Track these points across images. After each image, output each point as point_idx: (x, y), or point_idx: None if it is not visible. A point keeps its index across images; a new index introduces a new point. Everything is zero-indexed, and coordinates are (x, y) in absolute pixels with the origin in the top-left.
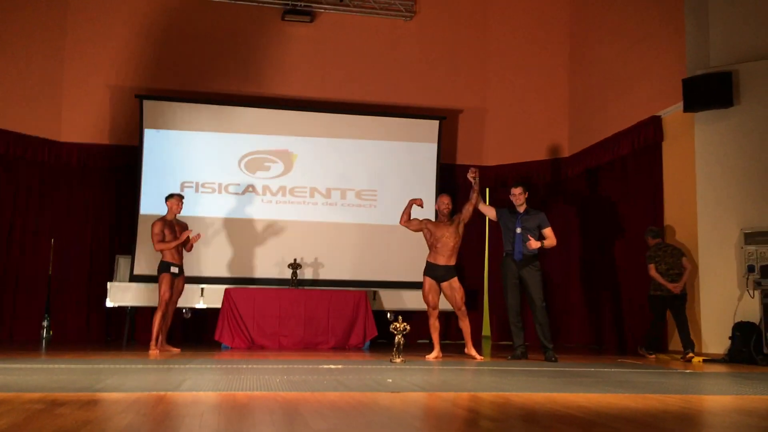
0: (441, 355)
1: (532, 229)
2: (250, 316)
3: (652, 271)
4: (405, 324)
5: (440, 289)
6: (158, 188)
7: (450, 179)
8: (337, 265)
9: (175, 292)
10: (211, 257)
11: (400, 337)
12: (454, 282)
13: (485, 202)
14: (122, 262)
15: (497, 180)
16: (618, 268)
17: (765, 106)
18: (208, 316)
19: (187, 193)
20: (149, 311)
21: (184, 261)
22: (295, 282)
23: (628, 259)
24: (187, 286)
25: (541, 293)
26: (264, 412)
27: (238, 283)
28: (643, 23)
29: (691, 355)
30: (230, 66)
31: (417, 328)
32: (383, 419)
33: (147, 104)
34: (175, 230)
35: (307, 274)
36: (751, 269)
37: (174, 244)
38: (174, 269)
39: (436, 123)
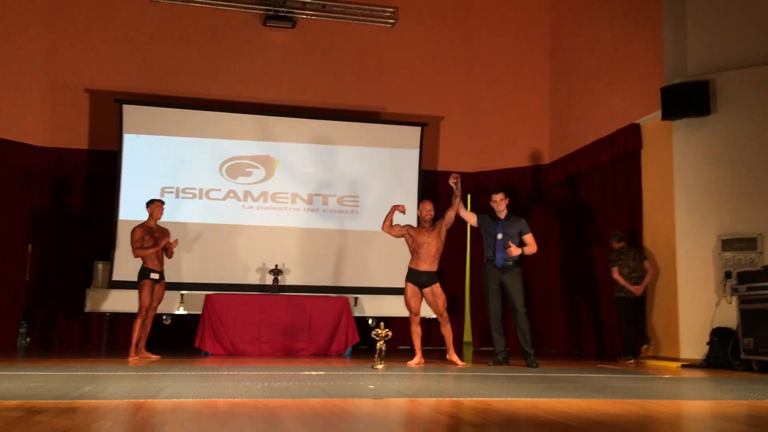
0: (423, 361)
1: (513, 236)
2: (231, 323)
3: (615, 273)
4: (387, 330)
5: (422, 295)
6: (138, 194)
7: (431, 185)
8: (318, 271)
9: (156, 299)
10: (191, 263)
11: (382, 343)
12: (436, 288)
13: (466, 208)
14: (101, 268)
15: (478, 186)
16: (598, 274)
17: (741, 114)
18: (188, 322)
19: (168, 199)
20: (128, 318)
21: (164, 267)
22: (277, 288)
23: (608, 265)
24: (167, 292)
25: (522, 299)
26: (245, 419)
27: (219, 289)
28: (623, 33)
29: (646, 347)
30: (211, 71)
31: (398, 335)
32: (365, 426)
33: (127, 109)
34: (155, 236)
35: (288, 280)
36: (728, 275)
37: (153, 250)
38: (155, 275)
39: (417, 129)
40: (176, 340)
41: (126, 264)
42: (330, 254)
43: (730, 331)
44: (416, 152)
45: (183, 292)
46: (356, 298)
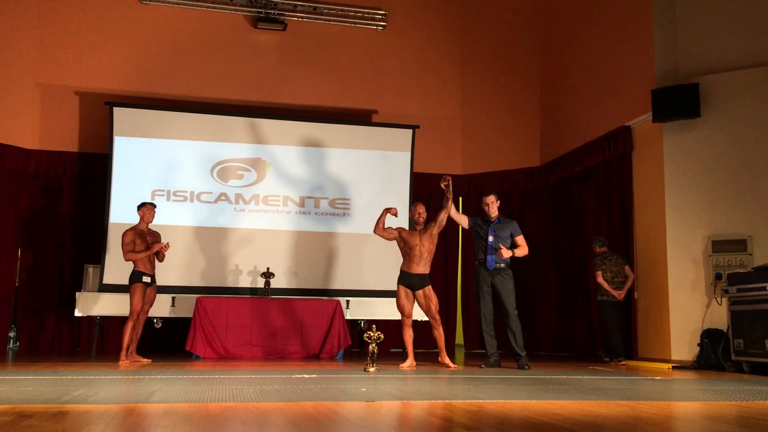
0: (415, 363)
1: (505, 238)
2: (222, 326)
3: (599, 278)
4: (379, 333)
5: (414, 298)
6: (129, 197)
7: (423, 188)
8: (310, 274)
9: (147, 302)
10: (182, 266)
11: (373, 346)
12: (428, 290)
13: (458, 210)
14: (91, 272)
15: (470, 189)
16: (589, 277)
17: (731, 117)
18: (180, 325)
19: (159, 202)
20: (119, 321)
21: (155, 270)
22: (268, 291)
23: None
24: (158, 295)
25: (513, 301)
26: (237, 422)
27: (210, 293)
28: (613, 36)
29: (611, 360)
30: (202, 73)
31: (390, 337)
32: (357, 429)
33: (117, 111)
34: (146, 239)
35: (279, 283)
36: (718, 277)
37: (144, 254)
38: (146, 279)
39: (409, 132)
40: (167, 343)
41: (117, 267)
42: (322, 257)
43: (721, 333)
44: (408, 155)
45: (174, 295)
46: (348, 301)
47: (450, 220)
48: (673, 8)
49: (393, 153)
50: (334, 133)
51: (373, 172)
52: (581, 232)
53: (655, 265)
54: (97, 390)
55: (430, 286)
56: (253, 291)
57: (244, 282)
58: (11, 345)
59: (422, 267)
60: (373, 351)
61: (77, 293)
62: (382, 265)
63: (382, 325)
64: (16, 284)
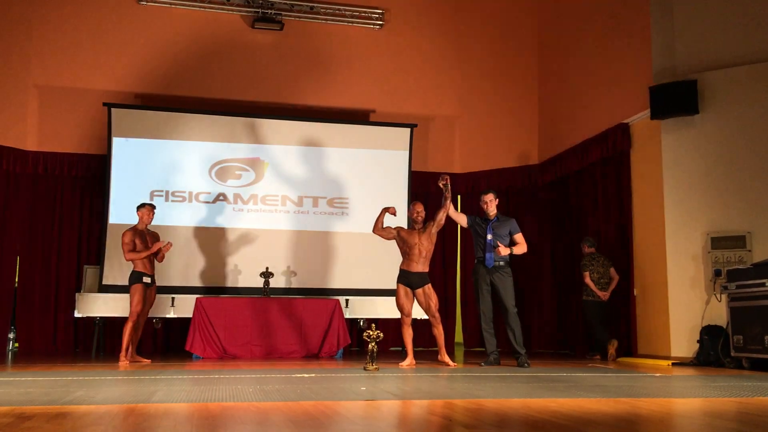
0: (414, 362)
1: (503, 236)
2: (222, 326)
3: (587, 278)
4: (378, 332)
5: (414, 297)
6: (127, 197)
7: (421, 187)
8: (309, 273)
9: (147, 303)
10: (181, 266)
11: (373, 344)
12: (428, 289)
13: (457, 209)
14: (90, 273)
15: (468, 187)
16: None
17: (729, 113)
18: (179, 326)
19: (158, 202)
20: (118, 322)
21: (155, 271)
22: (267, 291)
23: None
24: (157, 295)
25: (512, 299)
26: (237, 422)
27: (210, 293)
28: (610, 33)
29: (598, 357)
30: (199, 74)
31: (390, 336)
32: (357, 428)
33: (115, 112)
34: (146, 240)
35: (279, 282)
36: (717, 273)
37: (145, 254)
38: (146, 279)
39: (407, 131)
40: (167, 343)
41: (116, 268)
42: (320, 256)
43: (720, 329)
44: (406, 154)
45: (173, 295)
46: (347, 300)
47: (449, 218)
48: (671, 4)
49: (391, 152)
50: (332, 132)
51: (371, 171)
52: (579, 230)
53: (654, 262)
54: (97, 391)
55: (429, 285)
56: (252, 290)
57: (243, 282)
58: (11, 346)
59: (421, 266)
60: (373, 350)
61: (77, 294)
62: (382, 264)
63: (381, 323)
64: (16, 285)
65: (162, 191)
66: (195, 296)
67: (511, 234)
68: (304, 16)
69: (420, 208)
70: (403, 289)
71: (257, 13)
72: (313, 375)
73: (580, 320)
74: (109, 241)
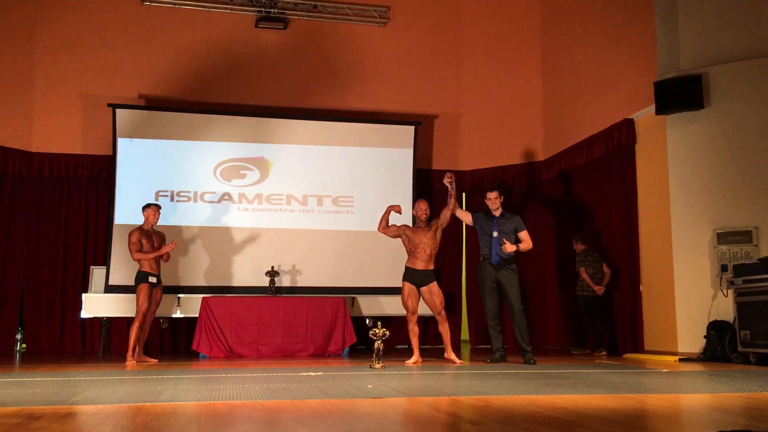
0: (420, 360)
1: (509, 233)
2: (228, 325)
3: (584, 274)
4: (384, 330)
5: (419, 294)
6: (133, 198)
7: (426, 184)
8: (314, 272)
9: (153, 303)
10: (187, 266)
11: (379, 342)
12: (434, 287)
13: (461, 207)
14: (97, 273)
15: (473, 184)
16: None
17: (734, 108)
18: (186, 325)
19: (163, 202)
20: (125, 322)
21: (161, 271)
22: (273, 290)
23: (604, 260)
24: (163, 295)
25: (518, 296)
26: (244, 421)
27: (216, 292)
28: (614, 28)
29: (604, 353)
30: (204, 73)
31: (396, 334)
32: (364, 425)
33: (120, 113)
34: (152, 240)
35: (284, 281)
36: (724, 268)
37: (153, 255)
38: (152, 279)
39: (411, 128)
40: (174, 343)
41: (122, 268)
42: (326, 255)
43: (727, 324)
44: (410, 151)
45: (180, 295)
46: (353, 298)
47: (454, 216)
48: None
49: (396, 150)
50: (337, 130)
51: (376, 169)
52: (585, 226)
53: (660, 257)
54: (104, 391)
55: (435, 282)
56: (258, 290)
57: (249, 281)
58: (18, 347)
59: (427, 263)
60: (379, 348)
61: (84, 294)
62: (387, 262)
63: (387, 321)
64: (23, 286)
65: (167, 191)
66: (201, 296)
67: (516, 231)
68: (308, 14)
69: (425, 206)
70: (408, 287)
71: (261, 13)
72: (320, 373)
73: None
74: (115, 242)
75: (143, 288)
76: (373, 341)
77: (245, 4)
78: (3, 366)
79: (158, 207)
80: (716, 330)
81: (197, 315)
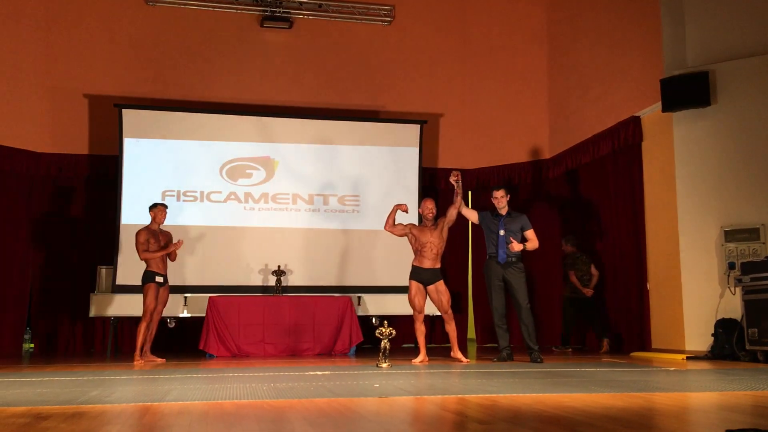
0: (427, 358)
1: (515, 232)
2: (235, 325)
3: (573, 277)
4: (391, 329)
5: (426, 293)
6: (139, 198)
7: (432, 183)
8: (321, 271)
9: (160, 302)
10: (194, 266)
11: (386, 341)
12: (440, 285)
13: (468, 205)
14: (104, 273)
15: (479, 183)
16: (600, 267)
17: (741, 105)
18: (193, 325)
19: (169, 202)
20: (133, 321)
21: (167, 270)
22: (280, 289)
23: (610, 258)
24: (170, 295)
25: (525, 295)
26: (252, 420)
27: (222, 292)
28: (620, 25)
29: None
30: (209, 73)
31: (402, 333)
32: (371, 424)
33: (126, 113)
34: (159, 239)
35: (291, 280)
36: (731, 266)
37: (160, 253)
38: (159, 278)
39: (417, 127)
40: (181, 343)
41: (129, 268)
42: (332, 254)
43: (735, 322)
44: (416, 150)
45: (186, 295)
46: (359, 298)
47: (460, 215)
48: None
49: (401, 149)
50: (342, 129)
51: (382, 168)
52: (591, 224)
53: (667, 255)
54: (112, 390)
55: (442, 281)
56: (264, 289)
57: (256, 280)
58: (26, 347)
59: (433, 262)
60: (386, 347)
61: (91, 294)
62: (393, 261)
63: (394, 320)
64: (30, 286)
65: (173, 191)
66: (208, 295)
67: (522, 230)
68: (313, 14)
69: (431, 204)
70: (415, 286)
71: (266, 12)
72: (327, 372)
73: (586, 315)
74: (122, 242)
75: (150, 287)
76: (380, 340)
77: (250, 3)
78: (11, 366)
79: (165, 207)
80: (724, 328)
81: (204, 314)
